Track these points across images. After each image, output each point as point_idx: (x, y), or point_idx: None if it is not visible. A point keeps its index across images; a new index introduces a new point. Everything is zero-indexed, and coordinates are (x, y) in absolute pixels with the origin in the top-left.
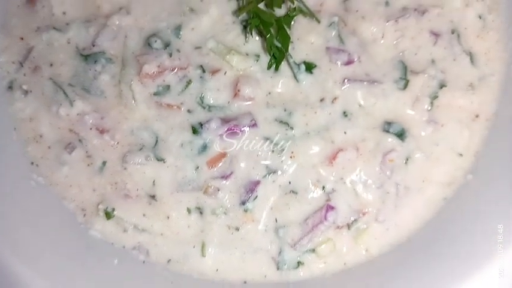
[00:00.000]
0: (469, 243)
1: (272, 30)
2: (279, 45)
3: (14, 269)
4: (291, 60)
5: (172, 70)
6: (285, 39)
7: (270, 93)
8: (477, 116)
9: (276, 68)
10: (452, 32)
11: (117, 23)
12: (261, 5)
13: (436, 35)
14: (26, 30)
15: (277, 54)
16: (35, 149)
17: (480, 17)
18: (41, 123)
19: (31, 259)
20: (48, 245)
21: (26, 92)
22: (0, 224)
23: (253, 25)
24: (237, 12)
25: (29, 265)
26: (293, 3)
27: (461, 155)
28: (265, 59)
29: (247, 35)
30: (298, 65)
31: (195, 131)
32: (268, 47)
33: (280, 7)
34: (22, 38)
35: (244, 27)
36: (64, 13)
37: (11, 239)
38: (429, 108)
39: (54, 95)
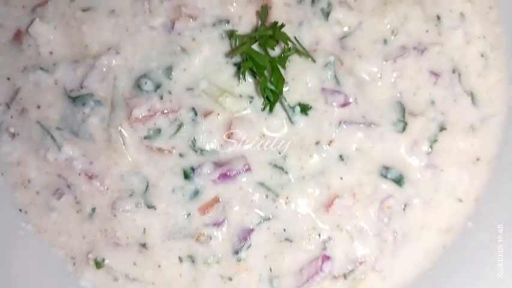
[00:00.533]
0: None
1: (266, 72)
2: (273, 88)
3: None
4: (285, 103)
5: (164, 113)
6: (279, 82)
7: (263, 135)
8: (478, 159)
9: (270, 110)
10: (453, 71)
11: (106, 63)
12: (255, 46)
13: (436, 74)
14: (13, 70)
15: (271, 97)
16: (23, 195)
17: (482, 55)
18: (28, 167)
19: None
20: None
21: (13, 135)
22: None
23: (246, 68)
24: (230, 54)
25: None
26: (287, 44)
27: (461, 200)
28: (259, 100)
29: (241, 78)
30: (293, 107)
31: (186, 176)
32: (262, 90)
33: (273, 49)
34: (9, 78)
35: (238, 69)
36: (51, 53)
37: None
38: (428, 152)
39: (41, 138)
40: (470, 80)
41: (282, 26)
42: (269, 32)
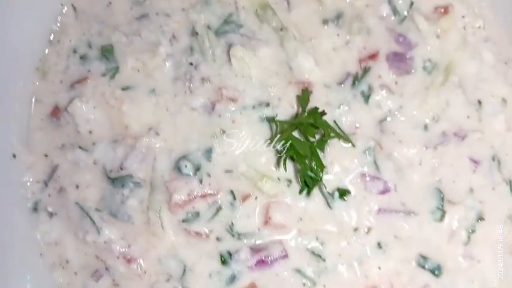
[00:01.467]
0: None
1: (306, 156)
2: (312, 175)
3: None
4: (324, 190)
5: (203, 197)
6: (319, 168)
7: (301, 219)
8: None
9: (308, 194)
10: (493, 159)
11: (146, 144)
12: (295, 132)
13: (475, 162)
14: (51, 147)
15: (310, 183)
16: (61, 275)
17: None
18: (67, 248)
19: None
20: None
21: (51, 215)
22: None
23: (287, 157)
24: (271, 140)
25: None
26: (328, 132)
27: None
28: (297, 183)
29: (281, 164)
30: (332, 193)
31: (223, 261)
32: (302, 178)
33: (314, 137)
34: (46, 155)
35: (277, 152)
36: (90, 132)
37: None
38: (466, 242)
39: (80, 220)
40: (510, 168)
41: (323, 113)
42: (310, 120)
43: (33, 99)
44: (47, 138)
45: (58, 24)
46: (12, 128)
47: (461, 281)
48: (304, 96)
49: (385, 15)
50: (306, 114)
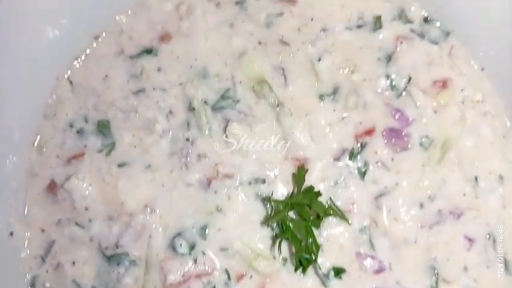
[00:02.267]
0: None
1: (301, 237)
2: (308, 256)
3: None
4: (320, 272)
5: (197, 277)
6: (314, 248)
7: None
8: None
9: (303, 273)
10: (488, 237)
11: (142, 222)
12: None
13: (470, 240)
14: (47, 222)
15: (305, 262)
16: None
17: None
18: None
19: None
20: None
21: None
22: None
23: (282, 239)
24: (266, 220)
25: None
26: (324, 213)
27: None
28: (293, 261)
29: (276, 244)
30: (327, 273)
31: None
32: (297, 258)
33: (309, 218)
34: (43, 230)
35: (272, 231)
36: (86, 208)
37: None
38: None
39: None
40: (505, 247)
41: (318, 194)
42: (305, 201)
43: (30, 174)
44: (43, 213)
45: (54, 97)
46: (10, 205)
47: None
48: (299, 174)
49: (382, 89)
50: (301, 193)
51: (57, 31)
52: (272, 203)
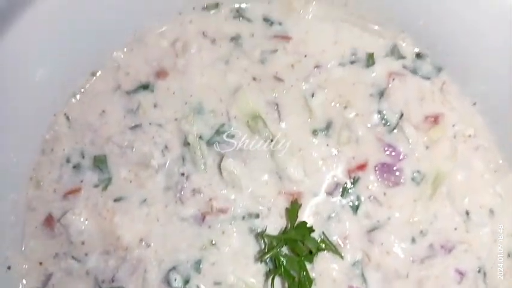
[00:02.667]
0: None
1: (294, 273)
2: None
3: None
4: None
5: None
6: (307, 283)
7: None
8: None
9: None
10: (479, 271)
11: (137, 256)
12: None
13: (461, 273)
14: (45, 255)
15: None
16: None
17: (509, 255)
18: None
19: None
20: None
21: None
22: None
23: (275, 274)
24: (260, 256)
25: None
26: (316, 249)
27: None
28: None
29: (269, 280)
30: None
31: None
32: None
33: (302, 254)
34: (41, 263)
35: (266, 265)
36: (83, 243)
37: None
38: None
39: None
40: (494, 281)
41: (311, 230)
42: (298, 237)
43: (28, 208)
44: (41, 247)
45: (52, 133)
46: (7, 239)
47: None
48: (292, 210)
49: (374, 125)
50: (294, 229)
51: (54, 68)
52: (265, 239)
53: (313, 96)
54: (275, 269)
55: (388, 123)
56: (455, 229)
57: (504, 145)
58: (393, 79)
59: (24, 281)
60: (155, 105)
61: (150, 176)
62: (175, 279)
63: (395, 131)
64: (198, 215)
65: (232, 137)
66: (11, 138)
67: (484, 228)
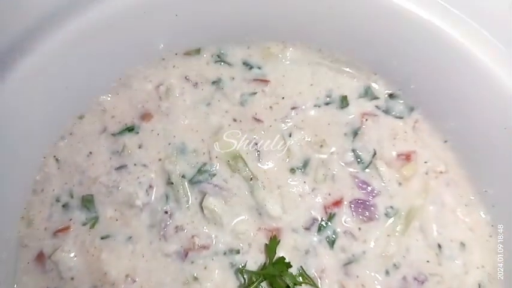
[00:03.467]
0: None
1: None
2: None
3: None
4: None
5: None
6: None
7: None
8: None
9: None
10: None
11: None
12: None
13: None
14: None
15: None
16: None
17: (479, 286)
18: None
19: None
20: None
21: None
22: None
23: None
24: None
25: None
26: (294, 283)
27: None
28: None
29: None
30: None
31: None
32: None
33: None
34: None
35: None
36: (72, 278)
37: None
38: None
39: None
40: None
41: (289, 265)
42: (276, 272)
43: (20, 245)
44: (33, 282)
45: (42, 174)
46: (1, 275)
47: None
48: (271, 246)
49: (349, 163)
50: (273, 265)
51: (43, 113)
52: (245, 275)
53: (290, 136)
54: None
55: (362, 161)
56: (428, 262)
57: (475, 180)
58: (366, 119)
59: None
60: (140, 146)
61: (135, 215)
62: None
63: (368, 169)
64: (181, 251)
65: (214, 175)
66: (3, 179)
67: (455, 260)
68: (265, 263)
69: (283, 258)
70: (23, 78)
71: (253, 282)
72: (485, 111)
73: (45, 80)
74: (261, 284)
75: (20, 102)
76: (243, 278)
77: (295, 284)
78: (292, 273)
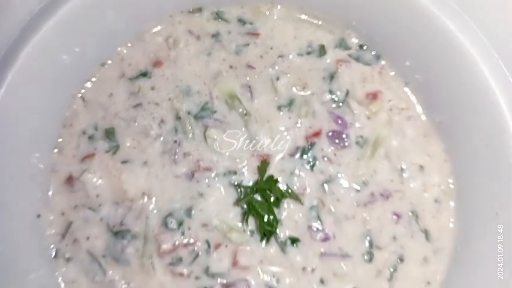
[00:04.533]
0: None
1: (264, 214)
2: (269, 228)
3: None
4: (279, 241)
5: (184, 246)
6: (274, 222)
7: (261, 261)
8: (428, 283)
9: (267, 243)
10: (412, 213)
11: (140, 205)
12: (257, 194)
13: (397, 215)
14: (67, 207)
15: (268, 234)
16: None
17: (436, 201)
18: (81, 285)
19: None
20: None
21: (68, 260)
22: None
23: (248, 216)
24: (238, 201)
25: None
26: (280, 196)
27: None
28: (258, 233)
29: (244, 220)
30: (285, 241)
31: None
32: (261, 230)
33: (270, 199)
34: (63, 214)
35: (242, 210)
36: (97, 195)
37: None
38: (389, 279)
39: (90, 264)
40: (425, 221)
41: (277, 181)
42: (266, 186)
43: (52, 170)
44: (63, 200)
45: (71, 111)
46: (37, 194)
47: None
48: (262, 167)
49: (326, 101)
50: (264, 181)
51: (72, 59)
52: (242, 188)
53: (278, 79)
54: (249, 211)
55: (337, 100)
56: (392, 181)
57: (431, 114)
58: (340, 65)
59: (50, 229)
60: (152, 88)
61: (149, 144)
62: (171, 222)
63: (343, 105)
64: (188, 173)
65: (214, 112)
66: (38, 115)
67: (415, 180)
68: (257, 181)
69: (272, 176)
70: (55, 31)
71: (247, 195)
72: (439, 59)
73: (76, 30)
74: (255, 196)
75: (53, 51)
76: (240, 191)
77: (282, 196)
78: (279, 188)
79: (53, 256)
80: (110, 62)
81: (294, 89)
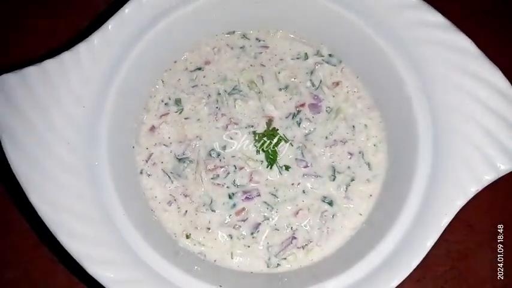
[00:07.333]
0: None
1: (270, 152)
2: (272, 159)
3: None
4: (278, 166)
5: (220, 167)
6: (275, 156)
7: (267, 179)
8: (371, 195)
9: (270, 168)
10: (359, 152)
11: (194, 144)
12: (265, 138)
13: (351, 154)
14: (149, 144)
15: (271, 162)
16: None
17: (375, 145)
18: (156, 191)
19: None
20: None
21: (149, 175)
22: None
23: (259, 151)
24: (254, 143)
25: None
26: (280, 139)
27: (361, 214)
28: (265, 163)
29: (257, 153)
30: (281, 167)
31: (230, 197)
32: (267, 159)
33: (273, 140)
34: (147, 148)
35: (257, 150)
36: (169, 137)
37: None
38: (345, 190)
39: (163, 177)
40: (368, 157)
41: (276, 130)
42: (271, 133)
43: (141, 123)
44: (148, 140)
45: (154, 88)
46: (131, 134)
47: (342, 204)
48: (269, 123)
49: (308, 86)
50: (270, 130)
51: (157, 51)
52: (256, 135)
53: (279, 73)
54: (261, 148)
55: (315, 86)
56: (347, 133)
57: (374, 95)
58: (317, 65)
59: (140, 157)
60: (204, 77)
61: (201, 108)
62: (213, 154)
63: (318, 89)
64: (224, 126)
65: (240, 91)
66: (135, 92)
67: (362, 133)
68: (265, 130)
69: (274, 127)
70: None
71: (260, 138)
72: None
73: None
74: (264, 139)
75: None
76: (255, 138)
77: (280, 140)
78: (279, 134)
79: (138, 173)
80: (178, 61)
81: (288, 79)
